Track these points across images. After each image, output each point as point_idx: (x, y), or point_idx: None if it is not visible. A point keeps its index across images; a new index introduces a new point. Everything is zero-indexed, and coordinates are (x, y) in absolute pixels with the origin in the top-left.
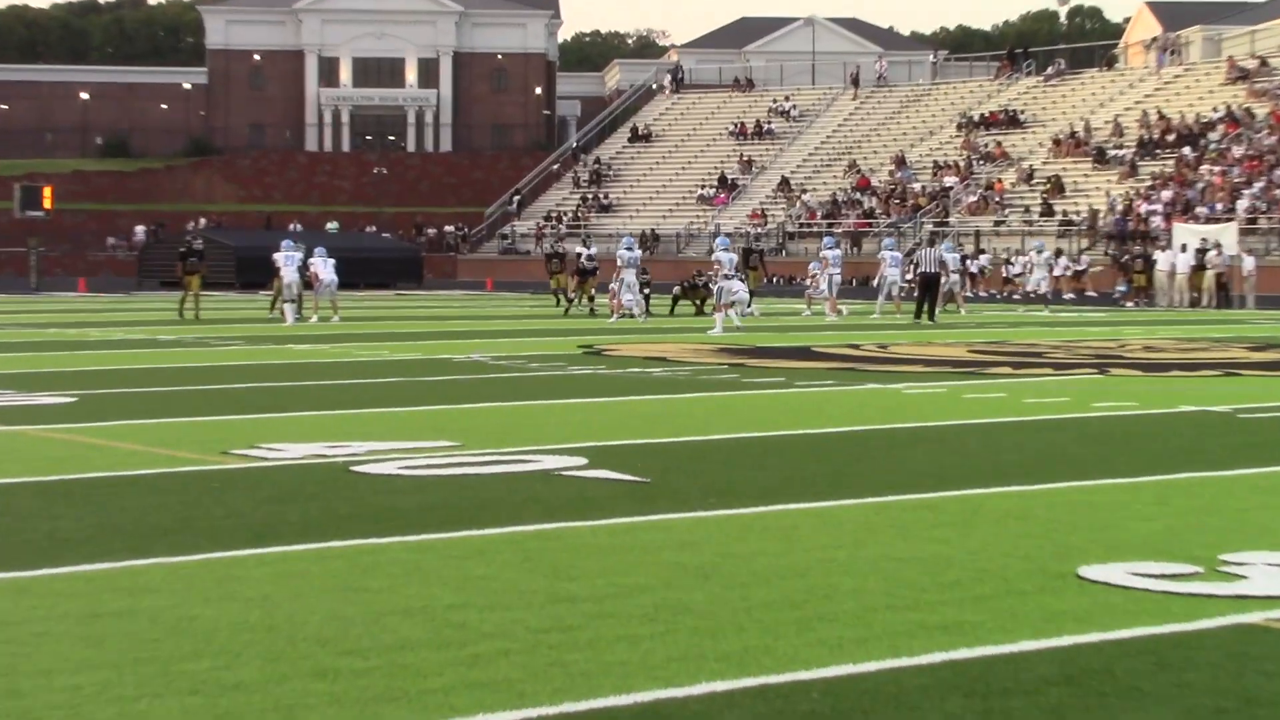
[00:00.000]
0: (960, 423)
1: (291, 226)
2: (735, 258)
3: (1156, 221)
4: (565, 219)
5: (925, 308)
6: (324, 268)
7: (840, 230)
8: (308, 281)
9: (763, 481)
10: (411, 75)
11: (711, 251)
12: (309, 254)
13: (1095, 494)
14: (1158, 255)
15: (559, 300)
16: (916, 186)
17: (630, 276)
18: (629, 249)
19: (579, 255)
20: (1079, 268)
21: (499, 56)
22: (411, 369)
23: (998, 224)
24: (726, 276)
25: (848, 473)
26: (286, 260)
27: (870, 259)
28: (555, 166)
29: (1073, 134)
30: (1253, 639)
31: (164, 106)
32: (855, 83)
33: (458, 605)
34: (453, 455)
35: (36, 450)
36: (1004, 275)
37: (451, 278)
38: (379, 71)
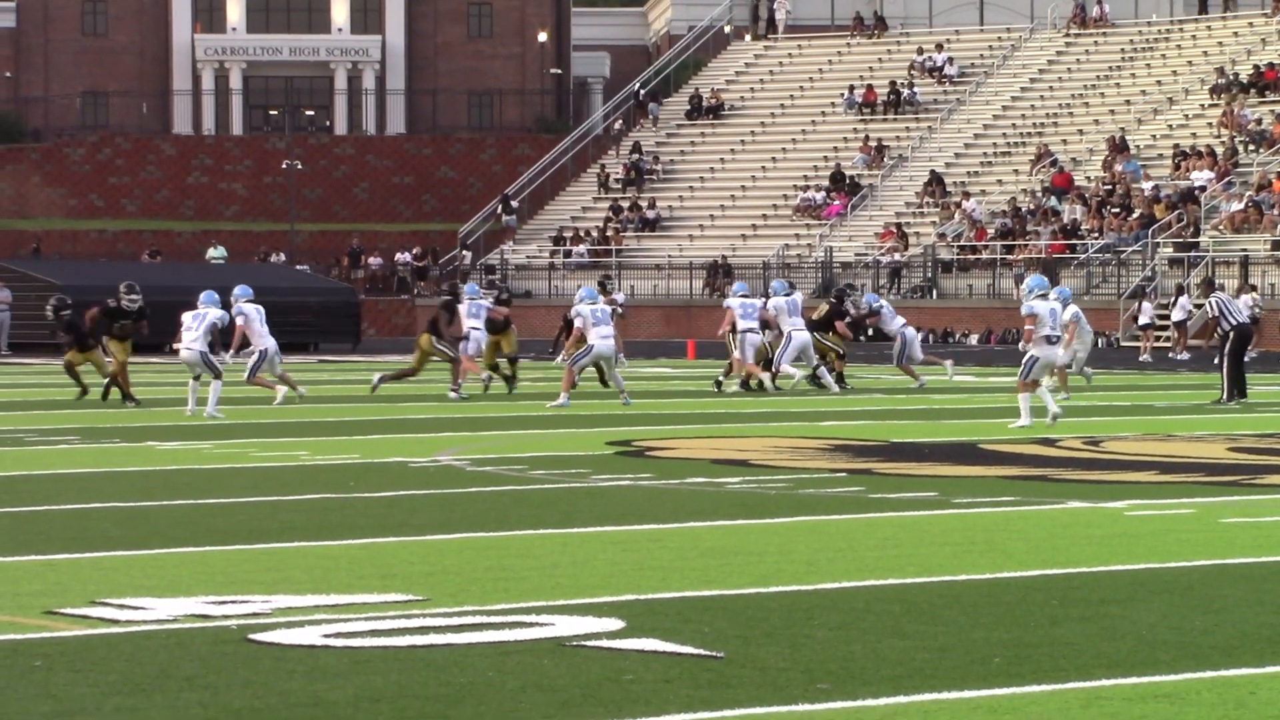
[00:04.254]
0: (1216, 563)
1: (146, 255)
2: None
3: None
4: (589, 240)
5: (1239, 380)
6: (258, 322)
7: (1024, 256)
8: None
9: (902, 657)
10: (340, 14)
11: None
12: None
13: None
14: None
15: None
16: (1146, 187)
17: (754, 335)
18: (744, 295)
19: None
20: None
21: None
22: (344, 480)
23: (1277, 246)
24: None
25: (1036, 642)
26: (195, 321)
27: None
28: (570, 159)
29: None
30: None
31: None
32: (1081, 15)
33: None
34: (411, 616)
35: None
36: None
37: (408, 333)
38: (289, 9)
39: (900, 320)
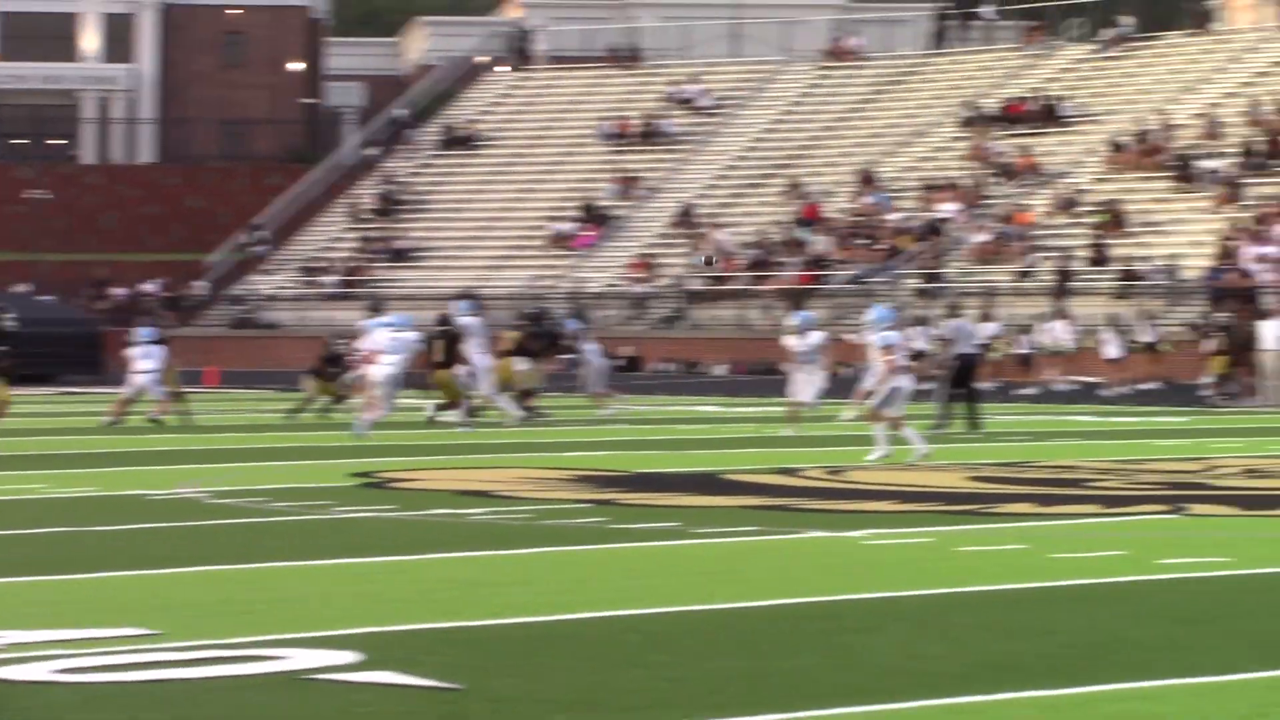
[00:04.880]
0: (952, 591)
1: None
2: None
3: (1269, 274)
4: (338, 271)
5: (968, 407)
6: None
7: (770, 288)
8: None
9: (640, 687)
10: (91, 40)
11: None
12: None
13: (1163, 702)
14: (1266, 326)
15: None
16: (893, 219)
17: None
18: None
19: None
20: (1148, 341)
21: (233, 12)
22: (80, 513)
23: (1022, 276)
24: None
25: (773, 671)
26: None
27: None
28: (322, 189)
29: (1142, 136)
30: None
31: None
32: (835, 49)
33: None
34: (145, 650)
35: None
36: (1027, 356)
37: None
38: (37, 34)
39: (592, 346)
